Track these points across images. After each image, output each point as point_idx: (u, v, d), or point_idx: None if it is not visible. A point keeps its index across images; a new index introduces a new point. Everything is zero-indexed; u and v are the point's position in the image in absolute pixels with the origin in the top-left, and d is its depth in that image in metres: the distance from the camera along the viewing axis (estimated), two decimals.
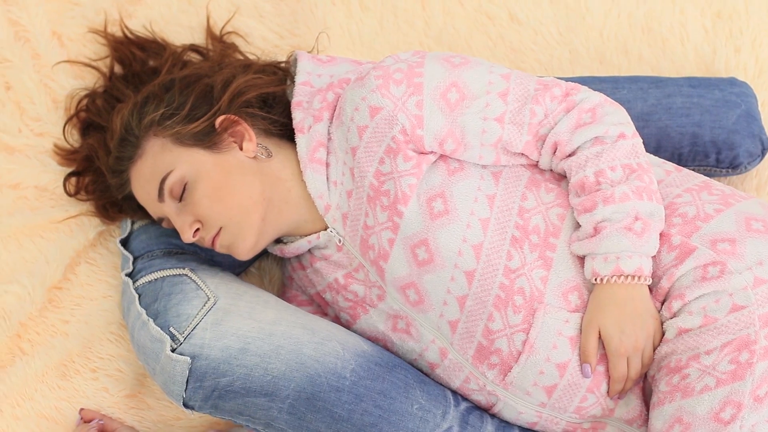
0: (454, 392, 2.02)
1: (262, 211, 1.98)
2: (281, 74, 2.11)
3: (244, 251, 1.99)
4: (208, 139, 1.98)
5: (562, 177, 1.98)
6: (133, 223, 2.19)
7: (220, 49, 2.31)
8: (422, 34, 2.42)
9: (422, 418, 1.94)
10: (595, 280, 1.88)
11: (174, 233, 2.14)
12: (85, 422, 2.12)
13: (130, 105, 2.04)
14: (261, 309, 2.00)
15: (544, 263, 1.91)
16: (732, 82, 2.28)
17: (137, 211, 2.17)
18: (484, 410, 2.03)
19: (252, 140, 2.00)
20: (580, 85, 1.96)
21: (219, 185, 1.96)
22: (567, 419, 1.97)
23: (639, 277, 1.86)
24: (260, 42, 2.39)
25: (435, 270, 1.92)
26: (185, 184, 1.97)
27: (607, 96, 1.97)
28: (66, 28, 2.36)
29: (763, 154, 2.25)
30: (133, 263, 2.12)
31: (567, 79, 2.17)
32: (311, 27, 2.40)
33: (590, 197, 1.88)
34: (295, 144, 2.02)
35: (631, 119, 1.99)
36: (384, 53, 2.39)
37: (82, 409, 2.14)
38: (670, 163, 2.07)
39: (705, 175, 2.22)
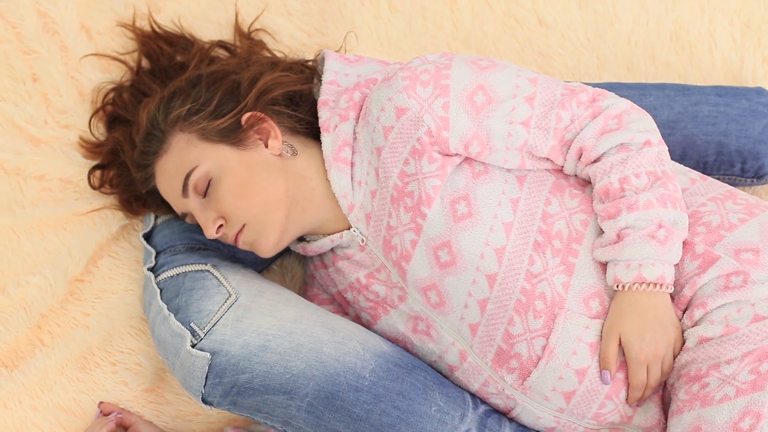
0: (473, 395, 2.02)
1: (285, 209, 1.98)
2: (308, 73, 2.11)
3: (266, 248, 1.99)
4: (234, 135, 1.98)
5: (586, 183, 1.98)
6: (156, 217, 2.20)
7: (247, 46, 2.32)
8: (450, 37, 2.42)
9: (440, 420, 1.94)
10: (617, 286, 1.88)
11: (197, 229, 2.15)
12: (104, 415, 2.13)
13: (157, 99, 2.04)
14: (282, 307, 2.00)
15: (566, 269, 1.91)
16: (759, 92, 2.27)
17: (161, 205, 2.18)
18: (502, 414, 2.02)
19: (277, 138, 2.00)
20: (606, 91, 1.96)
21: (243, 182, 1.96)
22: (585, 425, 1.96)
23: (661, 285, 1.86)
24: (288, 40, 2.39)
25: (457, 272, 1.92)
26: (210, 180, 1.97)
27: (634, 103, 1.97)
28: (95, 21, 2.37)
29: None
30: (156, 258, 2.12)
31: (594, 85, 2.16)
32: (339, 26, 2.40)
33: (614, 204, 1.87)
34: (321, 143, 2.02)
35: (657, 127, 1.98)
36: (411, 54, 2.39)
37: (101, 403, 2.14)
38: (695, 171, 2.07)
39: (730, 184, 2.22)
